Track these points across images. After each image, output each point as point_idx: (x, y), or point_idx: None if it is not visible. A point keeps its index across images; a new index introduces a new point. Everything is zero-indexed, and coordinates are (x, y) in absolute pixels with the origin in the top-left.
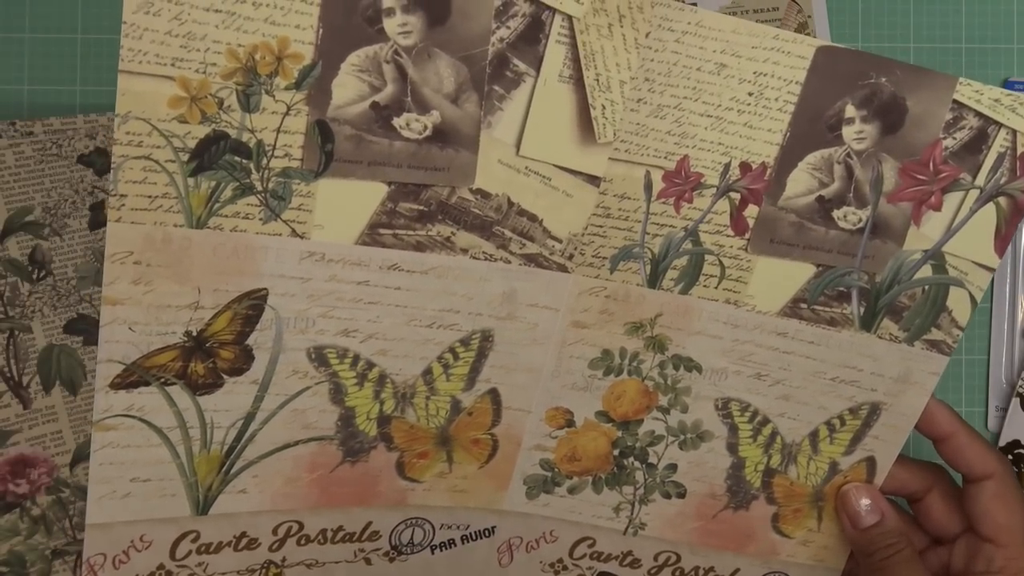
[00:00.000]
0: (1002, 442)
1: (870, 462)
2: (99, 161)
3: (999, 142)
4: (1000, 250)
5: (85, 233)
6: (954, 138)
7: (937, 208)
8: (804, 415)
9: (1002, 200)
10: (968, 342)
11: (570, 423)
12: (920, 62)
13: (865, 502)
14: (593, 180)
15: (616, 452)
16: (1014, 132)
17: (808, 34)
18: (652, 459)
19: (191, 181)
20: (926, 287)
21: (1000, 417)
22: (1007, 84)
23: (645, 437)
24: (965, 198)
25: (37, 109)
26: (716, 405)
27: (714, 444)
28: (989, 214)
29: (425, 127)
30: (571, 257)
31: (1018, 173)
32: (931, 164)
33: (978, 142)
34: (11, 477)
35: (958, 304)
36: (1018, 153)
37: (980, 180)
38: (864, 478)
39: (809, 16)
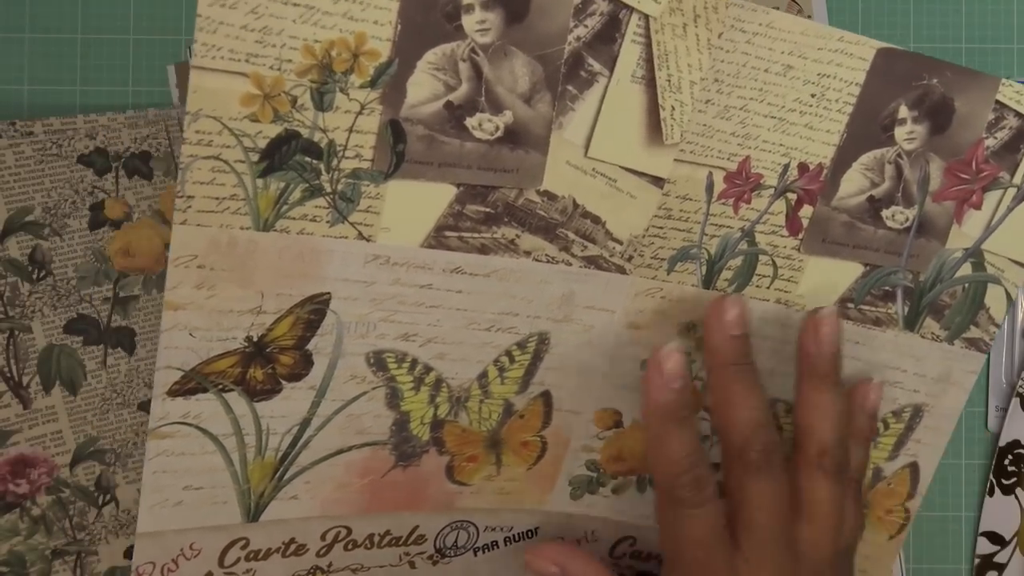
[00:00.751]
0: (1002, 442)
1: (913, 468)
2: (99, 161)
3: None
4: None
5: (85, 233)
6: (995, 138)
7: (978, 207)
8: None
9: None
10: None
11: (618, 424)
12: None
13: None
14: (657, 182)
15: None
16: None
17: None
18: None
19: (260, 182)
20: (966, 285)
21: (1000, 417)
22: None
23: None
24: (1003, 196)
25: (37, 109)
26: None
27: None
28: None
29: (497, 128)
30: (630, 259)
31: None
32: (974, 163)
33: (1016, 141)
34: (11, 477)
35: (995, 301)
36: None
37: (1017, 179)
38: (908, 488)
39: (809, 16)
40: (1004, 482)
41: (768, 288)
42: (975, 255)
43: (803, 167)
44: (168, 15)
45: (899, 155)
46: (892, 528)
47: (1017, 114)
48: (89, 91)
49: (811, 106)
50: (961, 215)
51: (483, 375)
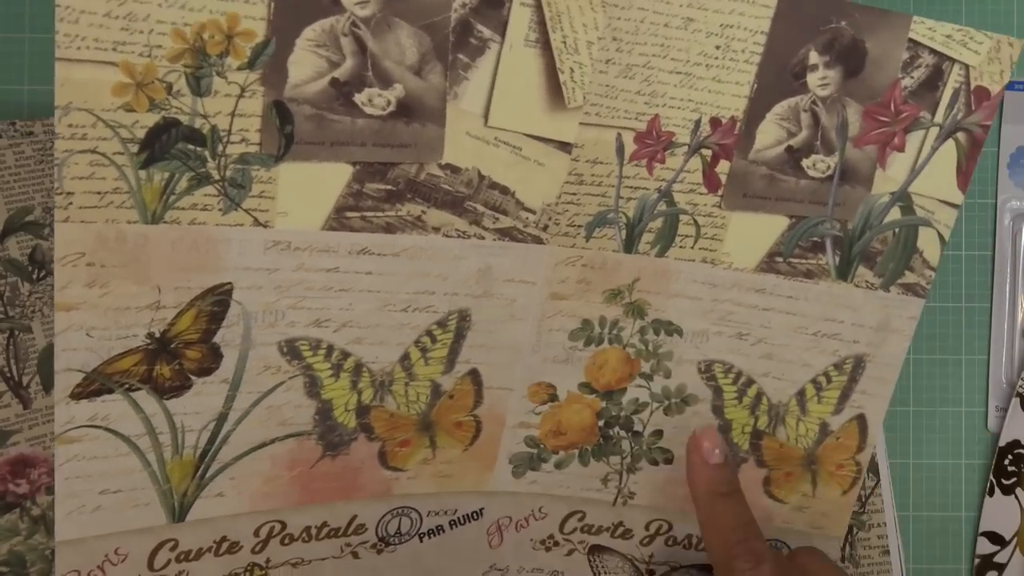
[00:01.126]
0: (1002, 442)
1: (860, 420)
2: None
3: (953, 78)
4: (963, 186)
5: None
6: (912, 77)
7: (901, 149)
8: (789, 374)
9: (960, 136)
10: (968, 342)
11: (553, 397)
12: None
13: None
14: (564, 147)
15: (601, 423)
16: (967, 67)
17: None
18: (637, 427)
19: (143, 174)
20: (896, 230)
21: (1000, 417)
22: (1007, 84)
23: (629, 405)
24: (926, 136)
25: (37, 109)
26: (699, 368)
27: (699, 408)
28: (950, 151)
29: (389, 102)
30: (546, 228)
31: (973, 107)
32: (892, 104)
33: (934, 79)
34: (11, 477)
35: (928, 244)
36: (972, 88)
37: (939, 117)
38: (857, 441)
39: None
40: (1004, 482)
41: (692, 248)
42: (903, 198)
43: (715, 122)
44: None
45: (814, 102)
46: (845, 482)
47: (932, 51)
48: None
49: (717, 58)
50: (884, 159)
51: (405, 357)
